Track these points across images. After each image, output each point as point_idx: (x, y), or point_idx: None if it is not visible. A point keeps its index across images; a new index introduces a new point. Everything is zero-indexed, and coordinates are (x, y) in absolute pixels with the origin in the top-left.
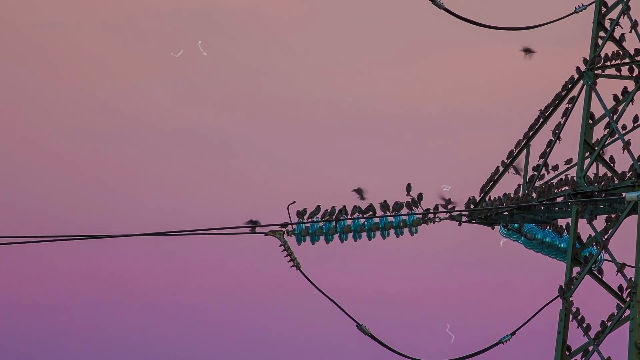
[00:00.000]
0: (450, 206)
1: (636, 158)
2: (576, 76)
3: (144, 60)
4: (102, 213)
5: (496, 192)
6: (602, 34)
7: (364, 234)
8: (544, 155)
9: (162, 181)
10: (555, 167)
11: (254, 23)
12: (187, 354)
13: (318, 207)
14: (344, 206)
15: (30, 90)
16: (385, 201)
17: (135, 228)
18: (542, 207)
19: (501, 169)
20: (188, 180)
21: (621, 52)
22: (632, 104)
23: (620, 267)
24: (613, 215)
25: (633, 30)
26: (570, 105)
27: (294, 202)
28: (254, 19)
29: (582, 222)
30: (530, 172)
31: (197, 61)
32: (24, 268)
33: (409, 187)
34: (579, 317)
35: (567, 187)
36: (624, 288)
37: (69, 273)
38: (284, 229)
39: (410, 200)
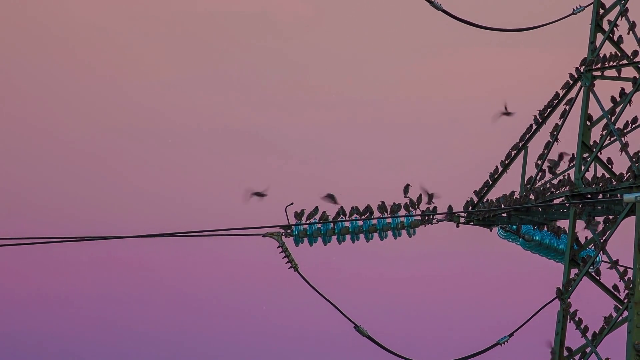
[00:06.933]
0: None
1: (634, 159)
2: (574, 77)
3: (171, 58)
4: (124, 209)
5: (494, 194)
6: (600, 35)
7: (361, 236)
8: (542, 156)
9: (190, 179)
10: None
11: (266, 23)
12: (197, 348)
13: (316, 208)
14: (342, 207)
15: (63, 90)
16: (383, 202)
17: (155, 225)
18: (540, 209)
19: (500, 169)
20: (208, 178)
21: (619, 54)
22: (630, 106)
23: (622, 274)
24: (611, 217)
25: (631, 32)
26: (568, 107)
27: (292, 203)
28: (265, 20)
29: (581, 224)
30: (527, 174)
31: (227, 59)
32: (37, 265)
33: (406, 189)
34: (577, 319)
35: (565, 189)
36: (622, 289)
37: (81, 267)
38: (282, 231)
39: (408, 201)
